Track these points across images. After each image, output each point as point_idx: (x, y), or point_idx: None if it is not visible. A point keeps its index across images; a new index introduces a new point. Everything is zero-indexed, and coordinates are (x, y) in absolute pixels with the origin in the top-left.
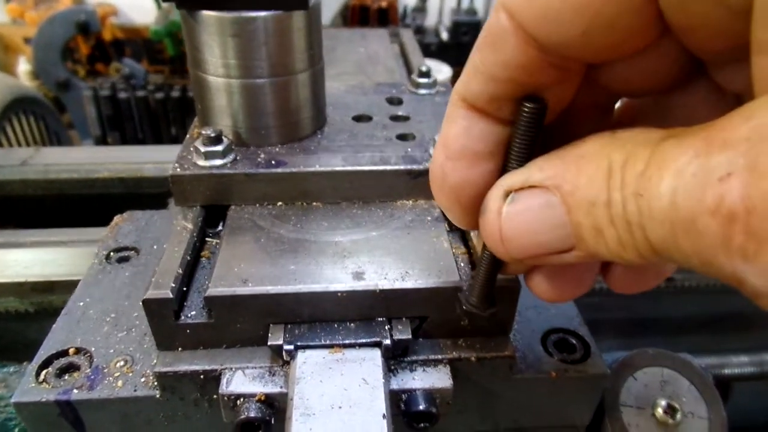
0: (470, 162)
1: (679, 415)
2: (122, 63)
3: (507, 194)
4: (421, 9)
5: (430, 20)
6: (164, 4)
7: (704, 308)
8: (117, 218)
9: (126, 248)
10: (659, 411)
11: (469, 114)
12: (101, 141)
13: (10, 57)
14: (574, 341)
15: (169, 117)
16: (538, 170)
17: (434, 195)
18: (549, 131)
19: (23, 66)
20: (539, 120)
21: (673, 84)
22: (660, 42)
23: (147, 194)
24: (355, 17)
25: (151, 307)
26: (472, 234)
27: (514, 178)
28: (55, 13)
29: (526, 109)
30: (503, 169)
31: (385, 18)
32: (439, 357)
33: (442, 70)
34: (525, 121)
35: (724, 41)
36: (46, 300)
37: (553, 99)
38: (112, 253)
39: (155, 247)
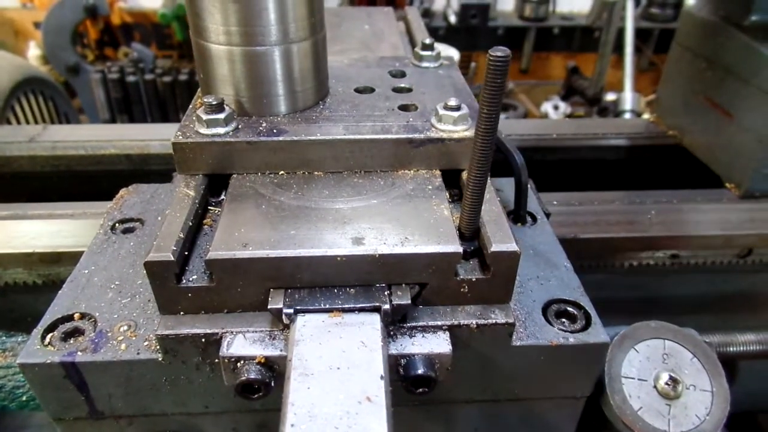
0: None
1: (681, 387)
2: (131, 47)
3: None
4: None
5: (438, 4)
6: None
7: (710, 287)
8: (123, 191)
9: (131, 219)
10: (661, 383)
11: None
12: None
13: (20, 42)
14: (575, 311)
15: (176, 101)
16: None
17: None
18: None
19: (33, 51)
20: None
21: None
22: None
23: (154, 171)
24: (362, 1)
25: (153, 269)
26: (463, 174)
27: None
28: None
29: None
30: None
31: (393, 2)
32: (439, 323)
33: (450, 54)
34: None
35: None
36: (53, 272)
37: None
38: (117, 224)
39: (160, 218)
